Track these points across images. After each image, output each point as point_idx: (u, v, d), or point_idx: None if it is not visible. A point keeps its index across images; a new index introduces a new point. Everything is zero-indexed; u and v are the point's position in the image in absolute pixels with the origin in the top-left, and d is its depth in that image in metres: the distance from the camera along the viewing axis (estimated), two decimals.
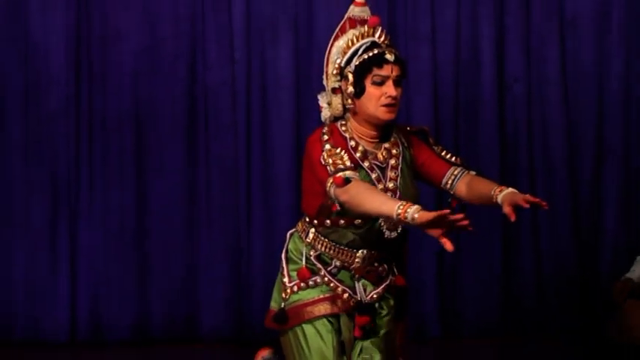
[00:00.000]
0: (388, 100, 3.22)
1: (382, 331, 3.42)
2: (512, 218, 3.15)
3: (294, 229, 3.43)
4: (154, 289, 6.19)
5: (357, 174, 3.21)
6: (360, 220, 3.29)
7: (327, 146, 3.21)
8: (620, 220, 6.39)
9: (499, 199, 3.22)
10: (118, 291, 6.17)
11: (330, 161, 3.18)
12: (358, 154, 3.31)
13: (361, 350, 3.39)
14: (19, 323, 6.14)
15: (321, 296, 3.35)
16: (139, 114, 6.21)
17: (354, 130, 3.31)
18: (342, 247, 3.34)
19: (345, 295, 3.35)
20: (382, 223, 3.32)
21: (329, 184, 3.15)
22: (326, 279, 3.35)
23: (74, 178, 6.18)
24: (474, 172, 3.38)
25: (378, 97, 3.23)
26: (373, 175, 3.31)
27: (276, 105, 6.26)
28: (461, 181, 3.35)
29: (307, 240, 3.36)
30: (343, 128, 3.30)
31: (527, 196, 3.19)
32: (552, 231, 6.39)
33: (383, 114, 3.26)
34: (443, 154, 3.40)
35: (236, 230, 6.19)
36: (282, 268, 3.42)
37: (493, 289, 6.34)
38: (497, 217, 5.93)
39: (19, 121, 6.16)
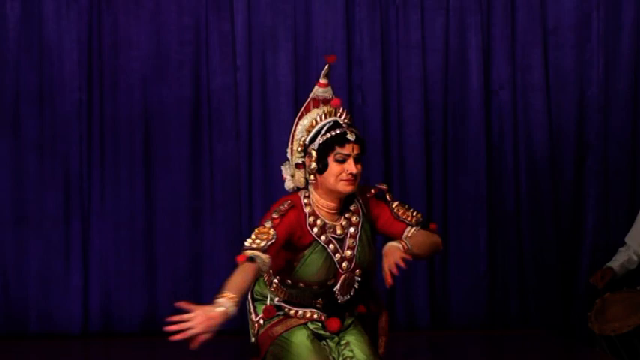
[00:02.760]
0: (349, 177, 3.32)
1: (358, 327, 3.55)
2: (388, 283, 3.28)
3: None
4: (162, 282, 6.22)
5: (266, 257, 3.27)
6: (317, 286, 3.43)
7: (268, 224, 3.29)
8: (600, 219, 6.43)
9: (385, 248, 3.34)
10: (127, 284, 6.21)
11: (254, 236, 3.31)
12: (315, 230, 3.40)
13: (341, 342, 3.53)
14: (33, 316, 6.16)
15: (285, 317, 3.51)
16: (146, 117, 6.26)
17: (315, 202, 3.39)
18: (301, 299, 3.51)
19: (315, 316, 3.51)
20: (336, 291, 3.43)
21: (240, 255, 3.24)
22: (292, 312, 3.51)
23: (86, 177, 6.21)
24: (416, 229, 3.40)
25: (339, 173, 3.32)
26: (330, 247, 3.40)
27: (276, 109, 6.29)
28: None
29: (271, 288, 3.52)
30: (305, 201, 3.38)
31: (398, 260, 3.28)
32: (535, 229, 6.44)
33: (343, 187, 3.33)
34: (400, 213, 3.46)
35: (238, 227, 6.24)
36: (249, 306, 3.59)
37: (480, 283, 6.41)
38: (483, 215, 6.36)
39: (34, 123, 6.19)
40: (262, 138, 6.30)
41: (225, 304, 3.14)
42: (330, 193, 3.35)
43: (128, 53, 6.24)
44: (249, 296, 3.56)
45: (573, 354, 5.76)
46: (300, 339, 3.45)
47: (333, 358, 3.47)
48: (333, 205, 3.39)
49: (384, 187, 3.52)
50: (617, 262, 5.64)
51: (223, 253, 6.20)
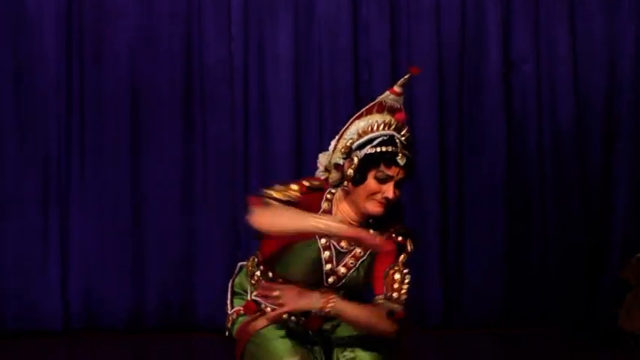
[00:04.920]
0: (382, 200, 3.17)
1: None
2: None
3: (244, 262, 3.45)
4: (149, 275, 6.12)
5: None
6: (302, 283, 3.25)
7: (294, 186, 3.21)
8: (631, 206, 6.31)
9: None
10: (112, 277, 6.09)
11: (276, 190, 3.20)
12: None
13: (340, 344, 3.37)
14: (10, 312, 6.03)
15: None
16: (133, 94, 6.12)
17: (337, 205, 3.26)
18: None
19: (292, 317, 3.34)
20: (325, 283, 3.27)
21: (248, 210, 3.11)
22: (268, 309, 3.31)
23: (65, 159, 6.09)
24: (387, 306, 3.21)
25: (374, 192, 3.17)
26: (325, 254, 3.27)
27: (275, 85, 6.17)
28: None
29: (252, 281, 3.39)
30: (328, 196, 3.26)
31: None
32: (559, 218, 6.31)
33: (372, 207, 3.19)
34: (392, 278, 3.24)
35: (233, 213, 6.06)
36: (227, 297, 3.46)
37: (497, 277, 6.26)
38: (501, 201, 6.23)
39: (10, 100, 6.05)
40: (260, 117, 6.17)
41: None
42: (356, 207, 3.22)
43: (112, 22, 6.10)
44: (229, 285, 3.46)
45: (596, 354, 5.60)
46: (279, 336, 3.28)
47: (315, 358, 3.31)
48: (355, 217, 3.24)
49: (410, 246, 3.29)
50: None
51: (218, 242, 6.11)
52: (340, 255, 3.27)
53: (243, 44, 6.14)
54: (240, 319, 3.37)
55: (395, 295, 3.21)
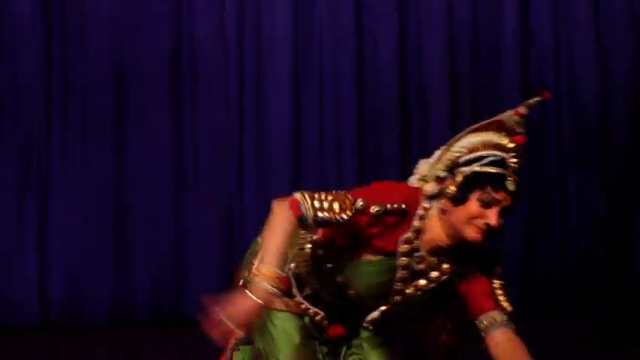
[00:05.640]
0: (483, 227, 2.99)
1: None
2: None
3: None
4: (137, 266, 6.01)
5: (314, 232, 3.05)
6: (352, 292, 3.14)
7: (359, 203, 2.96)
8: None
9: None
10: (95, 268, 5.97)
11: (324, 196, 2.96)
12: (404, 247, 3.08)
13: (350, 346, 3.33)
14: None
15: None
16: (117, 71, 6.00)
17: (428, 224, 3.06)
18: (315, 291, 3.21)
19: (317, 318, 3.24)
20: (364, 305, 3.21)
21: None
22: (297, 299, 3.21)
23: (45, 142, 5.98)
24: (513, 327, 3.15)
25: (475, 217, 2.99)
26: (399, 273, 3.11)
27: (272, 64, 6.06)
28: (499, 332, 3.11)
29: (296, 249, 3.13)
30: (421, 213, 3.05)
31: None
32: (580, 205, 6.23)
33: (470, 233, 3.00)
34: (498, 292, 3.17)
35: (227, 200, 6.03)
36: (254, 249, 3.26)
37: (512, 268, 6.02)
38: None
39: None
40: (256, 99, 6.07)
41: (264, 286, 2.84)
42: (452, 229, 3.04)
43: None
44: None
45: (620, 352, 5.41)
46: (288, 327, 3.20)
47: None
48: (445, 240, 3.07)
49: (498, 267, 3.20)
50: None
51: (210, 231, 6.02)
52: (415, 276, 3.13)
53: (236, 19, 6.06)
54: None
55: (508, 309, 3.14)
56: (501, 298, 3.14)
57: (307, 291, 3.21)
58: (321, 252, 3.11)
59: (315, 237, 3.10)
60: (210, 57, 6.03)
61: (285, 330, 3.19)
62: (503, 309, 3.12)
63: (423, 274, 3.12)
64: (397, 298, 3.16)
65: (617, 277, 6.13)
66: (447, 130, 5.96)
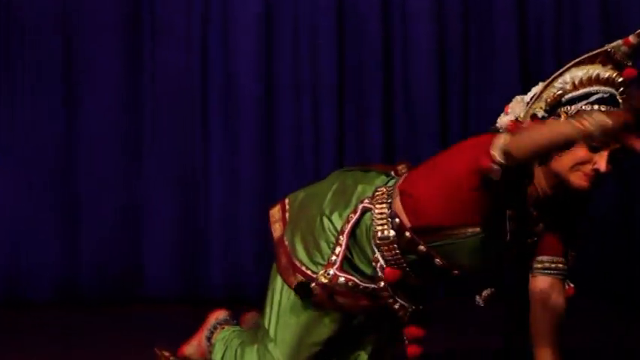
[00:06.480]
0: (591, 173, 2.89)
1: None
2: None
3: (368, 204, 3.06)
4: (85, 234, 5.79)
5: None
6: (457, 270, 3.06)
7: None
8: None
9: None
10: (38, 238, 5.76)
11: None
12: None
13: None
14: None
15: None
16: (65, 15, 5.74)
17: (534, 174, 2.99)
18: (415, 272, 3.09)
19: (397, 306, 3.15)
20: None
21: (498, 139, 2.80)
22: (386, 294, 3.10)
23: None
24: (565, 286, 3.12)
25: (583, 162, 2.89)
26: (508, 226, 3.00)
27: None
28: (549, 279, 3.07)
29: (376, 241, 3.03)
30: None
31: None
32: None
33: (577, 180, 2.90)
34: (570, 254, 3.15)
35: (189, 161, 5.82)
36: (340, 240, 3.09)
37: None
38: None
39: None
40: (222, 43, 5.82)
41: None
42: (555, 178, 2.94)
43: None
44: (348, 228, 3.08)
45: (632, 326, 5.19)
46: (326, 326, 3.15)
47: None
48: (546, 188, 2.98)
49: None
50: None
51: (169, 196, 5.81)
52: (524, 228, 3.03)
53: None
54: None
55: (568, 263, 3.09)
56: (569, 249, 3.09)
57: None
58: (414, 237, 3.00)
59: (397, 221, 3.00)
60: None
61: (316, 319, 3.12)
62: (567, 262, 3.06)
63: (530, 227, 3.03)
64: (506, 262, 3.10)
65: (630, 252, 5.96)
66: (434, 93, 5.87)
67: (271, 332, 3.15)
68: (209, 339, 3.36)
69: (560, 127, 2.76)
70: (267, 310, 3.18)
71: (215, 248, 5.70)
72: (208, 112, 5.88)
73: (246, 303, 3.80)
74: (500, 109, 5.58)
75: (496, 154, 2.77)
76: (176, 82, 5.84)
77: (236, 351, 3.24)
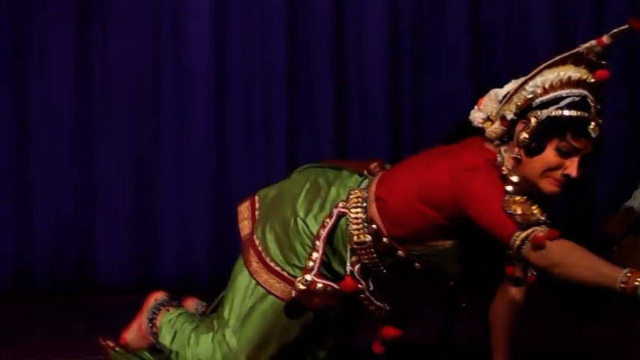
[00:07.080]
0: (561, 179, 2.86)
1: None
2: None
3: (343, 208, 3.04)
4: (38, 223, 5.75)
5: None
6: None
7: (509, 188, 2.85)
8: (621, 144, 6.08)
9: None
10: None
11: (519, 211, 2.78)
12: None
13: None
14: None
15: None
16: (15, 2, 5.68)
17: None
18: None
19: (373, 307, 3.15)
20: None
21: (518, 240, 2.72)
22: (362, 296, 3.10)
23: None
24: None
25: (552, 168, 2.86)
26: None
27: None
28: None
29: (352, 245, 3.03)
30: (504, 171, 2.90)
31: None
32: None
33: (547, 185, 2.87)
34: None
35: (141, 145, 5.79)
36: (317, 245, 3.07)
37: None
38: None
39: None
40: (174, 30, 5.81)
41: None
42: (525, 182, 2.88)
43: None
44: (325, 232, 3.04)
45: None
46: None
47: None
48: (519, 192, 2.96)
49: None
50: (637, 200, 5.44)
51: (121, 183, 5.79)
52: None
53: None
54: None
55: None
56: None
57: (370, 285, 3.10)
58: (392, 244, 2.98)
59: (373, 226, 2.98)
60: None
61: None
62: None
63: None
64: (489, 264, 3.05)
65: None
66: (384, 69, 5.86)
67: (231, 323, 3.12)
68: (152, 320, 3.32)
69: (611, 273, 2.64)
70: (228, 303, 3.14)
71: (167, 237, 5.67)
72: (161, 99, 5.85)
73: (198, 292, 3.77)
74: (451, 92, 5.73)
75: (522, 252, 2.72)
76: (128, 70, 5.81)
77: (189, 336, 3.19)
